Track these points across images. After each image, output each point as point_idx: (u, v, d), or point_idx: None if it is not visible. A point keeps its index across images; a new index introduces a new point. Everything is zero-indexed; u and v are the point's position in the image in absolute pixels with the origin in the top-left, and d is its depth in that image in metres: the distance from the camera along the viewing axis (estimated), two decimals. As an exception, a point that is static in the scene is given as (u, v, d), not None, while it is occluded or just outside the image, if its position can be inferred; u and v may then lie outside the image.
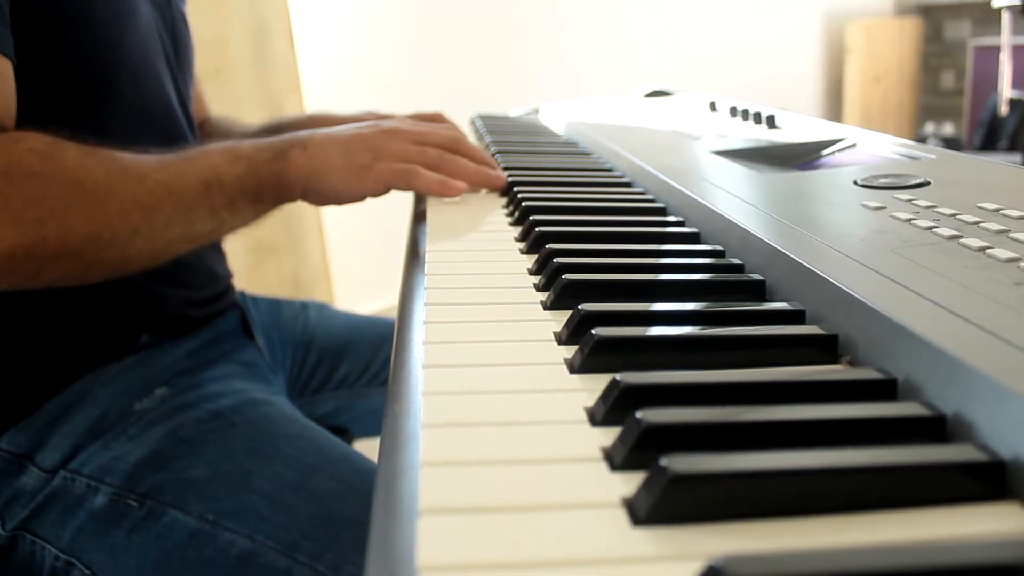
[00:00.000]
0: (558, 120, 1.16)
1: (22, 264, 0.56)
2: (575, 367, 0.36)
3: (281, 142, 0.66)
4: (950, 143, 3.79)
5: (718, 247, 0.52)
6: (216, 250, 0.85)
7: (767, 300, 0.45)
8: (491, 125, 1.12)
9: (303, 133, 0.68)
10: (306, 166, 0.65)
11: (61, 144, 0.58)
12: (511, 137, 1.02)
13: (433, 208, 0.69)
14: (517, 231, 0.61)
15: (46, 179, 0.56)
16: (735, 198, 0.57)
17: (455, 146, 0.72)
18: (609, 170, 0.80)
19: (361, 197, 0.69)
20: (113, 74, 0.68)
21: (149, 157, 0.62)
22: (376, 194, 0.69)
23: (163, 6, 0.77)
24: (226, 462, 0.63)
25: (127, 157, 0.61)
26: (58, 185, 0.56)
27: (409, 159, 0.68)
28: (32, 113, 0.61)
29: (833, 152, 0.74)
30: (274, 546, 0.58)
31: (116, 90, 0.69)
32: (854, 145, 0.73)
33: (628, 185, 0.74)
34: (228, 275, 0.87)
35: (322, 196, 0.67)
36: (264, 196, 0.66)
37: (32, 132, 0.58)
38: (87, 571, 0.61)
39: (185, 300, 0.77)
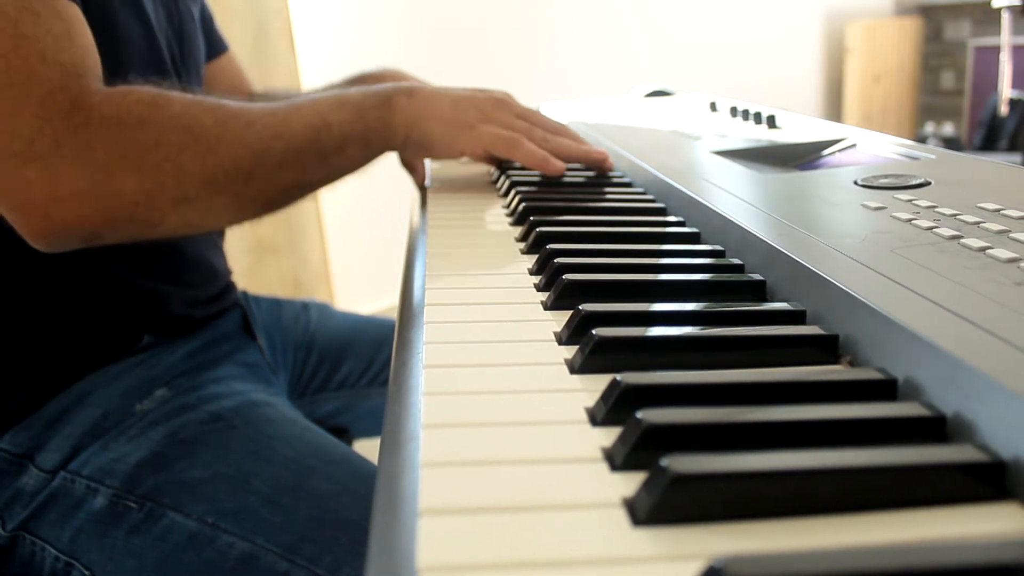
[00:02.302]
0: (558, 120, 1.15)
1: (144, 212, 0.58)
2: (575, 367, 0.36)
3: (387, 89, 0.68)
4: (950, 143, 3.79)
5: (718, 247, 0.52)
6: (215, 245, 0.85)
7: (767, 300, 0.45)
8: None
9: (410, 83, 0.69)
10: (411, 113, 0.67)
11: (166, 94, 0.60)
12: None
13: (433, 208, 0.68)
14: (518, 231, 0.61)
15: (158, 126, 0.58)
16: (735, 198, 0.57)
17: (559, 130, 0.74)
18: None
19: (459, 153, 0.70)
20: (123, 63, 0.68)
21: (255, 105, 0.63)
22: (473, 155, 0.70)
23: (170, 5, 0.77)
24: (225, 464, 0.63)
25: (233, 105, 0.62)
26: (170, 131, 0.58)
27: (514, 129, 0.70)
28: None
29: (833, 152, 0.74)
30: (273, 548, 0.58)
31: (123, 79, 0.69)
32: (854, 145, 0.73)
33: (628, 185, 0.74)
34: (228, 271, 0.87)
35: (421, 146, 0.68)
36: (371, 141, 0.67)
37: (138, 85, 0.59)
38: (87, 572, 0.61)
39: (187, 299, 0.77)
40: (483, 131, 0.68)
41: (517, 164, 0.82)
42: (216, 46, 0.93)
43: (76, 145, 0.55)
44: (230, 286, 0.86)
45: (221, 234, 0.87)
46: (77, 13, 0.59)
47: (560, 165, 0.70)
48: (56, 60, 0.56)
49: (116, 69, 0.68)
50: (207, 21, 0.91)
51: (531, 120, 0.72)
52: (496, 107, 0.70)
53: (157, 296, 0.74)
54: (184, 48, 0.79)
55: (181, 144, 0.58)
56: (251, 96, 0.99)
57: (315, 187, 0.68)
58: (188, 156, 0.58)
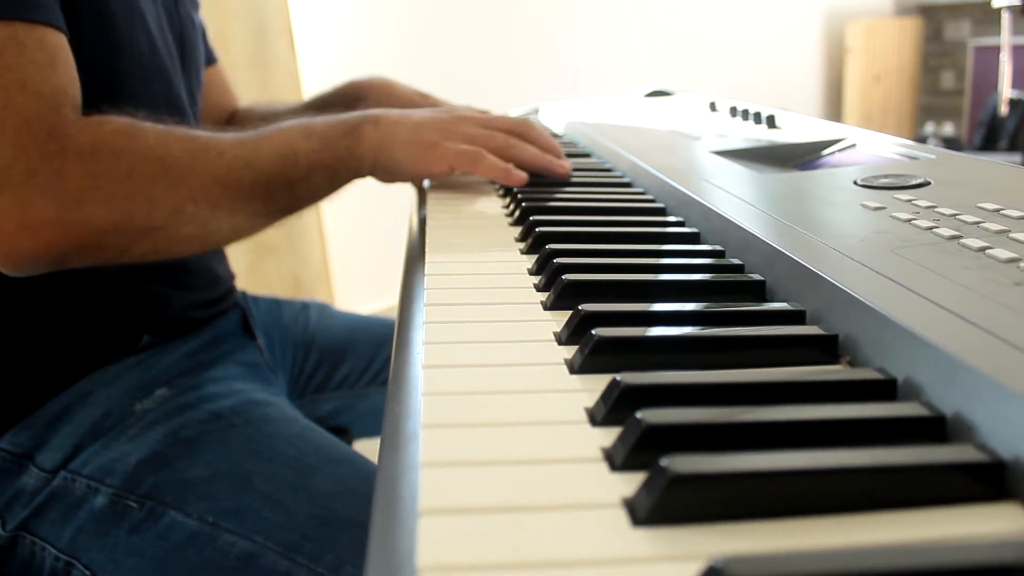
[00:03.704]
0: (558, 120, 1.16)
1: (112, 240, 0.59)
2: (575, 367, 0.36)
3: (354, 118, 0.68)
4: (950, 143, 3.79)
5: (718, 247, 0.52)
6: (218, 252, 0.85)
7: (767, 300, 0.45)
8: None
9: (377, 111, 0.70)
10: (377, 140, 0.67)
11: (140, 124, 0.60)
12: (511, 137, 1.01)
13: (433, 208, 0.69)
14: (517, 231, 0.61)
15: (131, 156, 0.58)
16: (735, 198, 0.57)
17: (522, 130, 0.73)
18: (609, 170, 0.80)
19: (427, 173, 0.71)
20: (124, 69, 0.68)
21: (226, 135, 0.64)
22: (441, 173, 0.70)
23: (171, 10, 0.77)
24: (226, 463, 0.63)
25: (204, 135, 0.63)
26: (142, 162, 0.59)
27: (476, 142, 0.70)
28: None
29: (833, 152, 0.74)
30: (274, 547, 0.58)
31: (126, 86, 0.69)
32: (854, 145, 0.73)
33: (628, 185, 0.74)
34: (230, 276, 0.87)
35: (389, 171, 0.69)
36: (338, 170, 0.67)
37: (112, 115, 0.60)
38: (87, 572, 0.61)
39: (187, 302, 0.77)
40: (446, 149, 0.68)
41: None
42: (207, 57, 0.93)
43: (49, 174, 0.56)
44: (231, 290, 0.86)
45: None
46: (62, 42, 0.60)
47: (521, 176, 0.70)
48: (36, 90, 0.56)
49: (119, 77, 0.68)
50: (202, 31, 0.91)
51: (494, 127, 0.72)
52: (457, 123, 0.70)
53: (157, 299, 0.74)
54: (185, 54, 0.79)
55: (152, 175, 0.59)
56: (235, 111, 0.99)
57: (281, 215, 0.68)
58: (159, 186, 0.59)
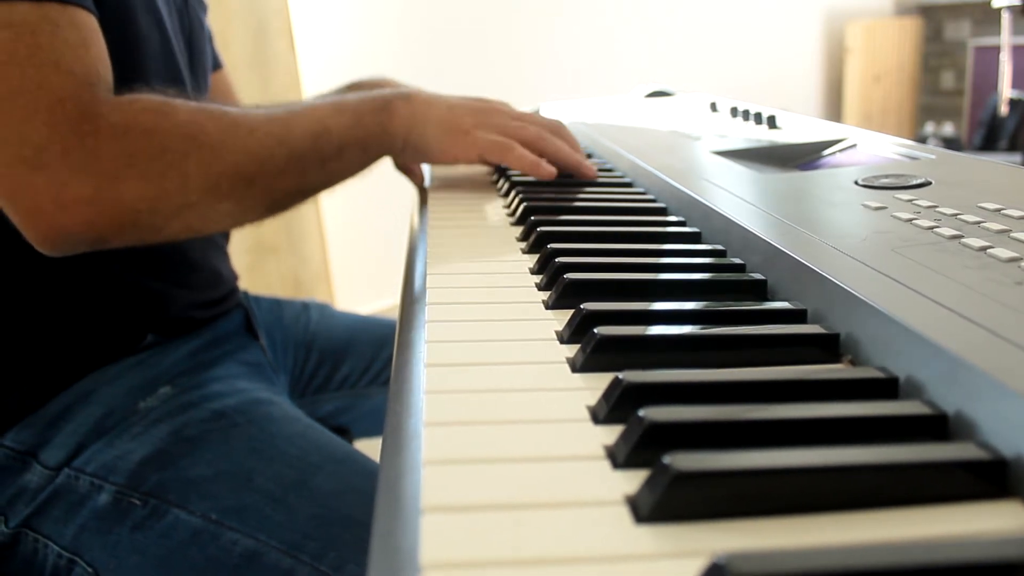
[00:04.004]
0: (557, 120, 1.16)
1: (147, 218, 0.59)
2: (577, 366, 0.36)
3: (385, 94, 0.69)
4: (950, 143, 3.79)
5: (719, 247, 0.52)
6: (220, 251, 0.85)
7: (768, 299, 0.45)
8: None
9: (409, 88, 0.70)
10: (409, 118, 0.67)
11: (172, 102, 0.60)
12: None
13: (434, 208, 0.69)
14: (518, 231, 0.61)
15: (163, 134, 0.59)
16: (736, 198, 0.57)
17: (555, 127, 0.74)
18: (610, 170, 0.80)
19: (454, 159, 0.71)
20: (140, 66, 0.68)
21: (258, 111, 0.64)
22: (469, 160, 0.70)
23: (182, 11, 0.78)
24: (229, 461, 0.63)
25: (236, 111, 0.63)
26: (175, 139, 0.59)
27: (507, 133, 0.70)
28: None
29: (834, 152, 0.74)
30: (277, 545, 0.58)
31: (140, 82, 0.69)
32: (855, 145, 0.73)
33: (629, 185, 0.74)
34: (233, 276, 0.87)
35: (418, 150, 0.69)
36: (370, 146, 0.68)
37: (144, 93, 0.60)
38: (90, 569, 0.61)
39: (190, 301, 0.77)
40: (478, 136, 0.69)
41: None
42: (213, 62, 0.94)
43: (84, 153, 0.56)
44: (234, 289, 0.86)
45: (226, 239, 0.87)
46: (93, 23, 0.60)
47: (551, 170, 0.71)
48: (69, 69, 0.56)
49: (133, 71, 0.68)
50: (209, 35, 0.91)
51: (527, 120, 0.73)
52: (492, 113, 0.71)
53: (160, 297, 0.74)
54: (194, 56, 0.79)
55: (185, 151, 0.59)
56: None
57: (314, 192, 0.69)
58: (192, 163, 0.59)
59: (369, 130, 0.67)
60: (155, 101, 0.60)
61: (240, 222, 0.66)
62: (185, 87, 0.75)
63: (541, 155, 0.71)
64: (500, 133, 0.70)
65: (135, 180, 0.57)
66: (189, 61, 0.78)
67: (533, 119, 0.74)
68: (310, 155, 0.64)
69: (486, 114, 0.71)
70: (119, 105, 0.58)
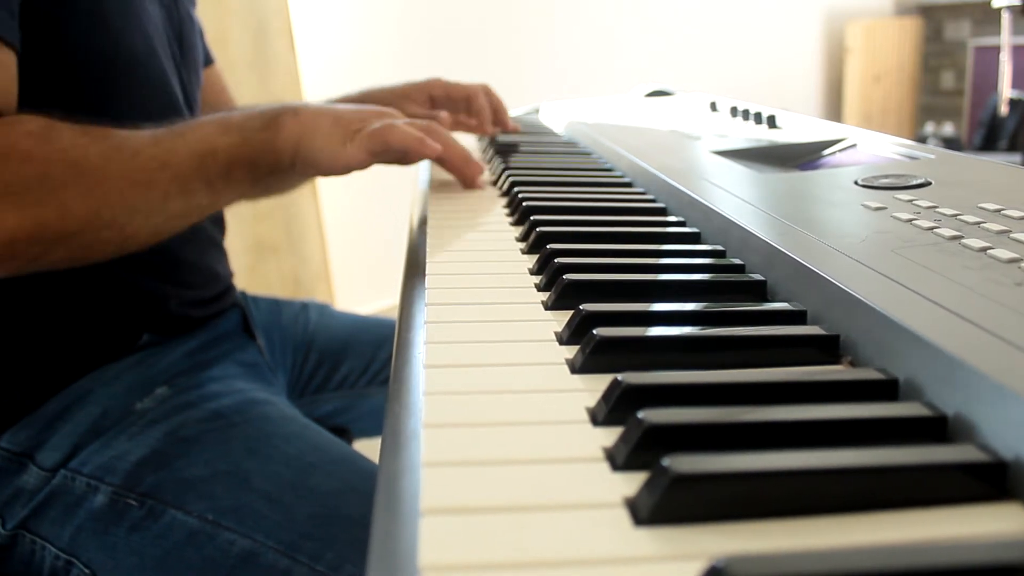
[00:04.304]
0: (558, 120, 1.16)
1: (24, 248, 0.56)
2: (576, 367, 0.36)
3: (273, 109, 0.66)
4: (950, 143, 3.79)
5: (719, 247, 0.52)
6: (217, 249, 0.85)
7: (768, 300, 0.45)
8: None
9: (300, 102, 0.68)
10: (295, 131, 0.65)
11: (56, 125, 0.58)
12: (512, 137, 1.02)
13: (434, 208, 0.69)
14: (518, 231, 0.61)
15: (43, 161, 0.56)
16: (736, 198, 0.57)
17: (444, 129, 0.73)
18: (610, 170, 0.80)
19: (344, 166, 0.67)
20: (118, 69, 0.68)
21: (143, 133, 0.62)
22: (359, 163, 0.67)
23: (170, 6, 0.77)
24: (226, 462, 0.63)
25: (121, 134, 0.61)
26: (55, 166, 0.57)
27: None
28: (37, 109, 0.61)
29: (834, 152, 0.74)
30: (274, 546, 0.58)
31: (121, 86, 0.69)
32: (854, 145, 0.73)
33: (629, 185, 0.74)
34: (229, 274, 0.87)
35: (308, 164, 0.67)
36: (258, 164, 0.65)
37: (27, 115, 0.58)
38: (87, 570, 0.61)
39: (186, 300, 0.77)
40: (361, 136, 0.66)
41: (517, 164, 0.82)
42: (204, 58, 0.93)
43: None
44: (231, 288, 0.86)
45: (222, 235, 0.87)
46: (4, 58, 0.58)
47: (435, 147, 0.67)
48: None
49: (111, 80, 0.68)
50: (199, 30, 0.91)
51: (415, 122, 0.70)
52: (379, 115, 0.69)
53: (155, 296, 0.74)
54: (184, 52, 0.79)
55: (65, 180, 0.57)
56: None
57: (203, 213, 0.66)
58: (72, 192, 0.57)
59: (256, 148, 0.64)
60: (36, 125, 0.58)
61: (124, 249, 0.63)
62: (172, 90, 0.74)
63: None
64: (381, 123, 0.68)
65: (10, 209, 0.55)
66: (180, 58, 0.78)
67: (420, 124, 0.71)
68: (195, 177, 0.62)
69: (375, 115, 0.68)
70: None
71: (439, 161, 0.73)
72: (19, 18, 0.59)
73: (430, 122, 0.71)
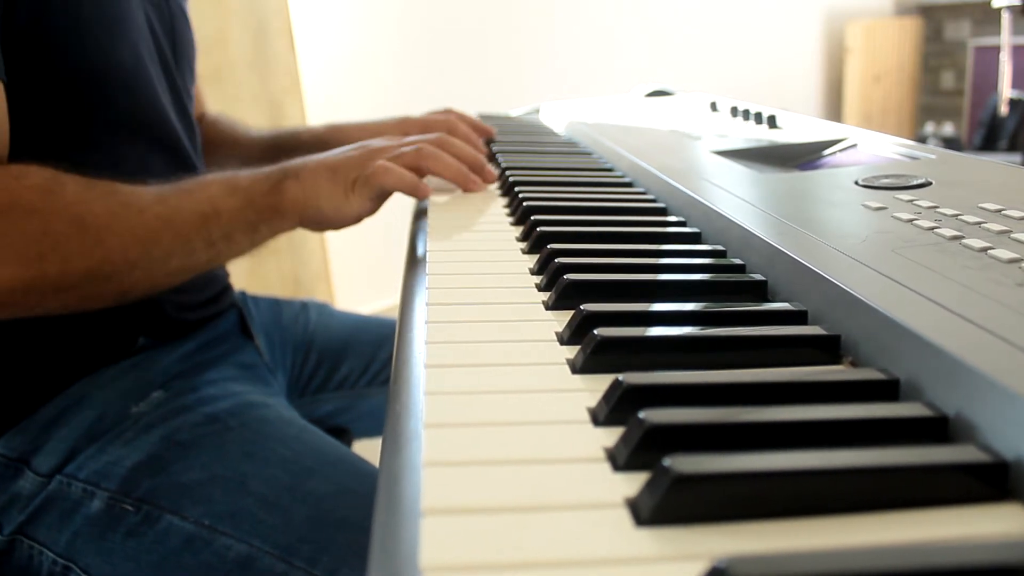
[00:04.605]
0: (558, 120, 1.16)
1: (21, 298, 0.57)
2: (577, 367, 0.36)
3: (277, 172, 0.67)
4: (950, 143, 3.79)
5: (719, 247, 0.52)
6: None
7: (769, 300, 0.45)
8: (492, 125, 1.11)
9: (298, 161, 0.68)
10: (299, 195, 0.66)
11: (61, 178, 0.59)
12: (512, 137, 1.02)
13: (434, 208, 0.68)
14: (518, 231, 0.61)
15: (46, 215, 0.57)
16: (736, 198, 0.57)
17: (441, 143, 0.73)
18: (610, 170, 0.80)
19: (354, 218, 0.69)
20: (104, 82, 0.67)
21: (148, 189, 0.63)
22: (367, 211, 0.69)
23: (160, 4, 0.76)
24: (222, 466, 0.63)
25: (126, 190, 0.61)
26: (58, 221, 0.57)
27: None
28: (22, 127, 0.61)
29: (834, 152, 0.74)
30: (270, 550, 0.58)
31: (107, 99, 0.68)
32: (855, 145, 0.73)
33: (629, 185, 0.74)
34: (225, 275, 0.87)
35: (317, 222, 0.68)
36: (260, 227, 0.66)
37: (32, 166, 0.58)
38: (84, 575, 0.61)
39: (182, 303, 0.77)
40: (359, 184, 0.67)
41: (517, 164, 0.82)
42: None
43: None
44: (227, 289, 0.86)
45: None
46: None
47: (425, 189, 0.68)
48: None
49: (98, 93, 0.67)
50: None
51: (408, 144, 0.71)
52: (373, 155, 0.69)
53: (151, 300, 0.73)
54: (177, 49, 0.78)
55: (68, 235, 0.57)
56: (202, 118, 0.98)
57: (199, 270, 0.67)
58: (74, 247, 0.57)
59: (260, 212, 0.65)
60: (43, 177, 0.58)
61: (121, 301, 0.64)
62: (160, 98, 0.73)
63: (423, 172, 0.70)
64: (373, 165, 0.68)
65: (11, 262, 0.55)
66: (174, 53, 0.77)
67: (413, 142, 0.72)
68: (197, 237, 0.63)
69: (370, 158, 0.68)
70: (2, 181, 0.56)
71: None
72: (0, 43, 0.59)
73: (424, 146, 0.71)
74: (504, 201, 0.71)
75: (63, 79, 0.65)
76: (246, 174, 0.67)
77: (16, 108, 0.61)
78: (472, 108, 1.37)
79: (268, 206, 0.65)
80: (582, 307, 0.40)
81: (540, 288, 0.48)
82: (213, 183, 0.65)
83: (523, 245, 0.57)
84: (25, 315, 0.60)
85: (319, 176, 0.67)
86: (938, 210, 0.48)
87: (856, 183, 0.56)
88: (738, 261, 0.49)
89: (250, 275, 2.02)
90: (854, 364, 0.36)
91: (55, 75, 0.64)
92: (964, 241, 0.42)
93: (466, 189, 0.74)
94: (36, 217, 0.56)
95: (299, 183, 0.66)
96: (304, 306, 0.97)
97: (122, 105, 0.69)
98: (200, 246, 0.63)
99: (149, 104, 0.72)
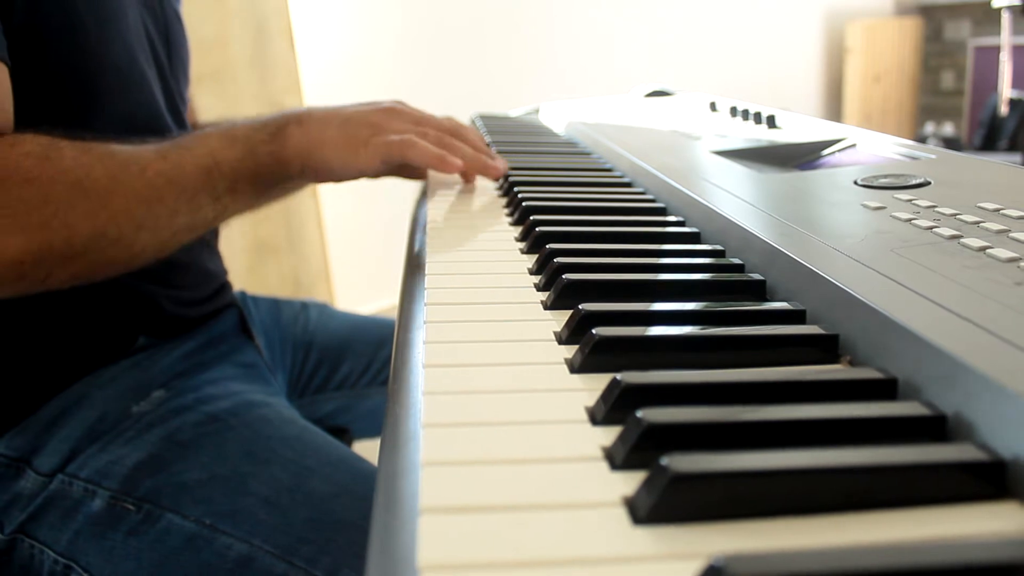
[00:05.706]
0: (558, 120, 1.16)
1: (31, 270, 0.56)
2: (575, 367, 0.36)
3: (278, 118, 0.66)
4: (950, 143, 3.79)
5: (718, 247, 0.52)
6: (208, 248, 0.85)
7: (767, 300, 0.45)
8: (491, 125, 1.12)
9: (301, 108, 0.68)
10: (303, 141, 0.65)
11: (57, 144, 0.58)
12: (511, 137, 1.02)
13: (434, 208, 0.68)
14: (517, 231, 0.61)
15: (45, 182, 0.56)
16: (735, 198, 0.57)
17: (455, 131, 0.73)
18: (609, 170, 0.80)
19: (357, 173, 0.68)
20: (98, 81, 0.67)
21: (147, 147, 0.62)
22: (373, 170, 0.68)
23: (154, 6, 0.76)
24: (223, 465, 0.63)
25: (125, 150, 0.61)
26: (58, 187, 0.56)
27: (405, 134, 0.68)
28: (17, 124, 0.61)
29: (833, 152, 0.74)
30: (271, 550, 0.58)
31: (101, 98, 0.68)
32: (854, 145, 0.73)
33: (628, 185, 0.74)
34: (223, 272, 0.86)
35: (318, 172, 0.67)
36: (264, 176, 0.65)
37: (28, 134, 0.58)
38: (85, 574, 0.61)
39: (179, 300, 0.77)
40: (376, 143, 0.66)
41: (517, 164, 0.82)
42: None
43: None
44: (225, 286, 0.86)
45: (215, 235, 0.87)
46: None
47: (457, 163, 0.68)
48: None
49: (92, 91, 0.67)
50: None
51: (426, 124, 0.71)
52: (388, 117, 0.68)
53: (149, 298, 0.73)
54: (171, 50, 0.78)
55: (70, 200, 0.56)
56: (194, 127, 0.98)
57: (207, 226, 0.66)
58: (77, 213, 0.56)
59: (261, 161, 0.64)
60: (37, 145, 0.57)
61: (132, 265, 0.63)
62: (154, 97, 0.73)
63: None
64: (397, 135, 0.68)
65: (15, 232, 0.54)
66: (168, 56, 0.77)
67: (431, 121, 0.72)
68: (202, 191, 0.62)
69: (384, 119, 0.68)
70: None
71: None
72: (2, 30, 0.59)
73: (448, 137, 0.71)
74: (503, 201, 0.71)
75: (58, 77, 0.65)
76: (244, 122, 0.66)
77: (14, 103, 0.61)
78: (472, 108, 1.37)
79: (269, 154, 0.64)
80: (581, 307, 0.40)
81: (539, 288, 0.48)
82: (212, 136, 0.64)
83: (522, 245, 0.57)
84: (37, 289, 0.58)
85: (328, 125, 0.66)
86: (937, 209, 0.48)
87: (855, 183, 0.56)
88: (737, 261, 0.49)
89: (250, 275, 2.02)
90: (852, 363, 0.36)
91: (50, 73, 0.64)
92: (963, 240, 0.42)
93: (484, 174, 0.74)
94: (35, 184, 0.55)
95: (303, 129, 0.65)
96: (304, 306, 0.97)
97: (117, 104, 0.69)
98: (205, 201, 0.63)
99: (144, 104, 0.72)
